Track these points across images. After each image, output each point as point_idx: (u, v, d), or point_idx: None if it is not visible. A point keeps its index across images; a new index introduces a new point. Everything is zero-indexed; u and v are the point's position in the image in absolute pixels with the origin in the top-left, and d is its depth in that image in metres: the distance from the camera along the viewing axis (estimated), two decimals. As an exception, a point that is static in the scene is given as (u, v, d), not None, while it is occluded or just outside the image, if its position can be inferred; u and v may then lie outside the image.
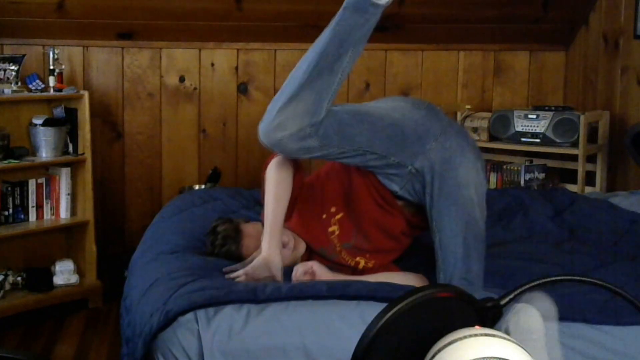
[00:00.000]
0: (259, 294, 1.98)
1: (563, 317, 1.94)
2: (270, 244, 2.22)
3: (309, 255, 2.44)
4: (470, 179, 2.20)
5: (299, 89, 2.05)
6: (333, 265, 2.39)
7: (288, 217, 2.35)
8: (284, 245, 2.34)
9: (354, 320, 1.91)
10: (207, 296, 1.96)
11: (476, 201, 2.21)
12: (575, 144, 3.74)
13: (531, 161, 4.04)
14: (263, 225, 2.37)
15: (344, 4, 2.02)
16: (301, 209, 2.43)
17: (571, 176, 3.91)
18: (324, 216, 2.40)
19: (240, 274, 2.19)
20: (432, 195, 2.20)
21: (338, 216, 2.39)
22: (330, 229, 2.40)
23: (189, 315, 1.91)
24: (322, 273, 2.24)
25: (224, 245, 2.41)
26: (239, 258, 2.38)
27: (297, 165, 2.37)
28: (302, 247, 2.42)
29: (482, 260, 2.21)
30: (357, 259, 2.39)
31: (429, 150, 2.19)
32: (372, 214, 2.35)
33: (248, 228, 2.44)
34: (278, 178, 2.30)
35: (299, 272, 2.23)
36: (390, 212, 2.34)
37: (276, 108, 2.06)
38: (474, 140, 2.36)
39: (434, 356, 0.93)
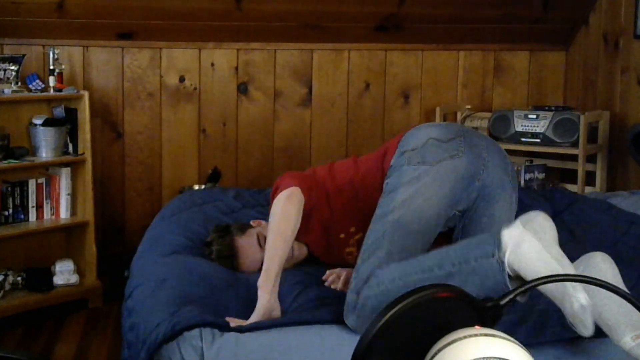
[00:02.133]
0: (264, 323, 1.98)
1: (562, 337, 1.91)
2: (268, 292, 2.07)
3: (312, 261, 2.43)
4: (503, 214, 2.11)
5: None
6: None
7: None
8: None
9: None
10: (216, 319, 1.96)
11: None
12: (575, 144, 3.74)
13: (531, 161, 4.04)
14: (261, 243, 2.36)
15: (477, 278, 1.79)
16: (319, 226, 2.35)
17: (571, 176, 3.91)
18: (342, 235, 2.34)
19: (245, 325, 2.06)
20: (463, 229, 2.12)
21: (357, 237, 2.32)
22: (347, 250, 2.35)
23: (194, 332, 1.90)
24: None
25: (217, 260, 2.41)
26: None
27: (310, 196, 2.26)
28: (303, 252, 2.41)
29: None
30: None
31: (471, 191, 2.08)
32: None
33: (243, 243, 2.41)
34: (285, 214, 2.15)
35: (331, 280, 2.24)
36: None
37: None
38: (510, 162, 2.22)
39: (434, 356, 0.93)
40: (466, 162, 2.06)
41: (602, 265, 1.77)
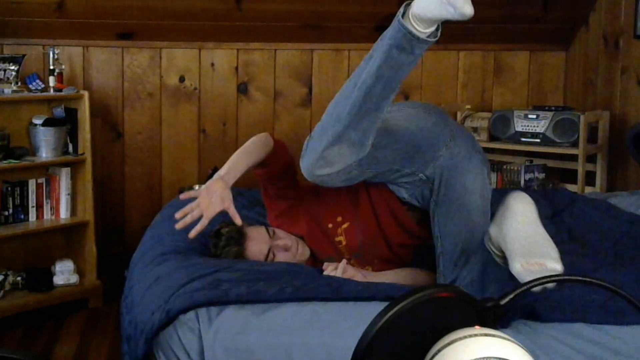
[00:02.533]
0: (262, 295, 1.98)
1: (564, 317, 1.96)
2: (220, 175, 2.25)
3: (314, 261, 2.44)
4: (476, 185, 2.19)
5: (343, 130, 1.98)
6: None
7: (261, 169, 2.42)
8: (286, 249, 2.34)
9: (356, 320, 1.92)
10: (209, 295, 1.96)
11: (481, 207, 2.20)
12: (575, 144, 3.74)
13: (531, 161, 4.04)
14: (267, 229, 2.40)
15: (386, 43, 1.91)
16: (307, 216, 2.40)
17: (571, 176, 3.91)
18: (330, 225, 2.39)
19: (194, 201, 2.19)
20: (438, 201, 2.19)
21: (344, 226, 2.38)
22: (337, 239, 2.39)
23: (190, 314, 1.91)
24: (353, 273, 2.26)
25: (227, 246, 2.40)
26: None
27: (281, 145, 2.40)
28: (306, 253, 2.42)
29: (482, 266, 2.19)
30: (367, 267, 2.39)
31: (439, 157, 2.18)
32: (378, 223, 2.34)
33: (252, 231, 2.43)
34: (256, 140, 2.38)
35: (329, 270, 2.26)
36: (395, 223, 2.34)
37: (320, 148, 2.01)
38: (479, 144, 2.36)
39: (434, 356, 0.93)
40: (435, 121, 2.23)
41: (518, 206, 1.88)
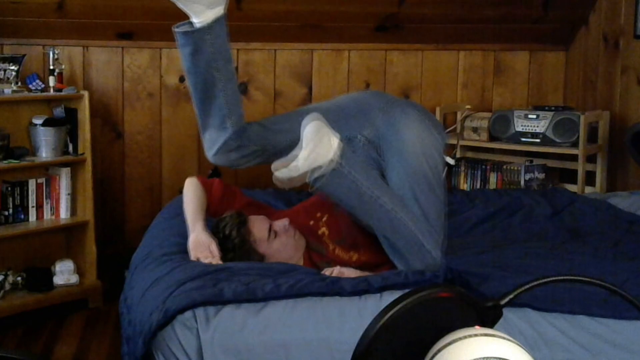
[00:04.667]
0: (258, 293, 2.00)
1: (566, 309, 1.98)
2: (193, 231, 2.39)
3: (309, 253, 2.48)
4: (414, 134, 2.33)
5: (201, 120, 2.40)
6: (329, 262, 2.44)
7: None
8: (286, 229, 2.42)
9: (352, 315, 1.96)
10: (206, 295, 1.97)
11: (421, 152, 2.31)
12: (575, 144, 3.74)
13: (531, 161, 4.04)
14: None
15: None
16: (291, 222, 2.49)
17: (571, 176, 3.91)
18: (312, 222, 2.50)
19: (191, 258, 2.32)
20: (383, 156, 2.35)
21: (324, 218, 2.51)
22: (319, 232, 2.49)
23: (188, 314, 1.93)
24: (350, 273, 2.31)
25: (231, 231, 2.45)
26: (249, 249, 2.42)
27: (208, 188, 2.58)
28: (303, 242, 2.48)
29: (439, 209, 2.32)
30: (351, 253, 2.46)
31: (374, 118, 2.36)
32: None
33: (252, 218, 2.48)
34: (193, 195, 2.53)
35: (327, 272, 2.30)
36: None
37: (202, 137, 2.41)
38: (425, 109, 2.51)
39: (434, 356, 0.93)
40: (372, 93, 2.53)
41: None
